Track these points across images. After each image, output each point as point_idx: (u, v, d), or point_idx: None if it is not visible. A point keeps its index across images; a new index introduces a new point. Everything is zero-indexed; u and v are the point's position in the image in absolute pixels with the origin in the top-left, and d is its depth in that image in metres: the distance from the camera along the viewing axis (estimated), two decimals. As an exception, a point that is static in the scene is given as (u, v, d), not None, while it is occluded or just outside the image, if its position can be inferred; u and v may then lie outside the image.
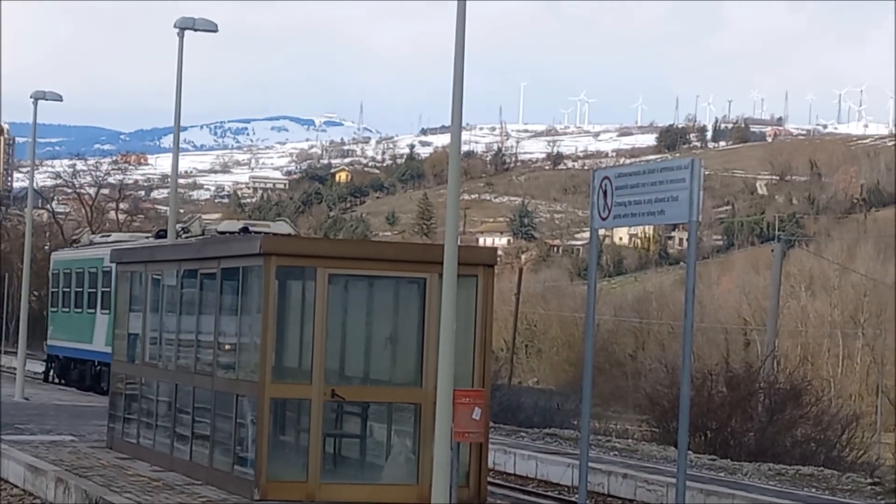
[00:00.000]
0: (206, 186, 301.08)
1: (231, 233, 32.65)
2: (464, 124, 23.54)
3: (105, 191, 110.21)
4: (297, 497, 23.24)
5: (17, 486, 28.13)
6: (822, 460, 40.10)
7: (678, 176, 17.27)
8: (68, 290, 56.90)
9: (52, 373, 60.94)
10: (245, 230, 32.26)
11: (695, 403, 35.54)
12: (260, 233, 27.86)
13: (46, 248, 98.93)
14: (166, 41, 39.81)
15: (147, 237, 41.15)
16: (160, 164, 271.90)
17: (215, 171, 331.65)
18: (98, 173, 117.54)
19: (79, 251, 57.39)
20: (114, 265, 35.30)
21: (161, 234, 39.52)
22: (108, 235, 47.87)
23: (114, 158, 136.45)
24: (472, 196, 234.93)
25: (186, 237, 34.99)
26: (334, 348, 23.95)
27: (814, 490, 31.40)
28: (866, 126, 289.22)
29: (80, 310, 55.25)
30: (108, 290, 40.72)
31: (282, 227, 33.51)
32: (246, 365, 24.60)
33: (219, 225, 34.87)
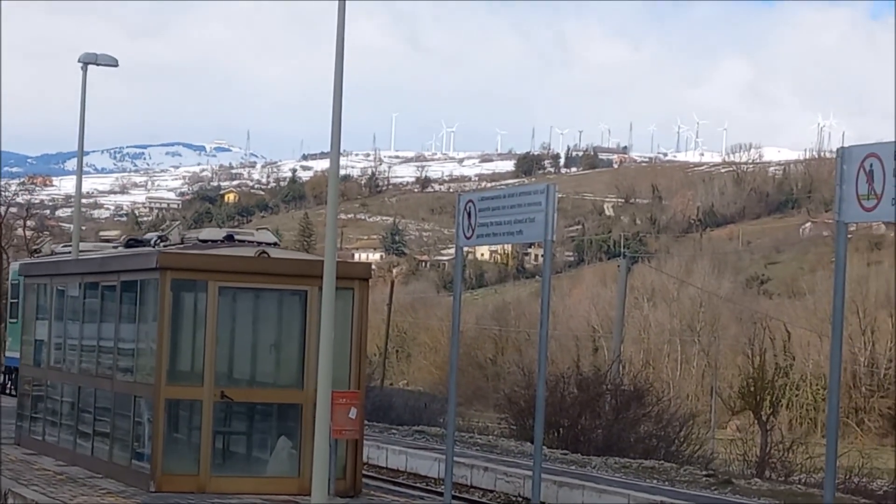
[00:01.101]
0: (105, 206, 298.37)
1: (214, 241, 31.85)
2: (341, 151, 23.56)
3: (13, 209, 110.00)
4: (190, 489, 23.15)
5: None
6: (663, 454, 40.38)
7: (535, 200, 17.37)
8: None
9: (9, 385, 59.50)
10: (230, 238, 31.72)
11: (549, 403, 35.73)
12: (244, 241, 27.26)
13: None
14: (69, 72, 39.44)
15: (115, 247, 39.37)
16: (64, 185, 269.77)
17: (115, 192, 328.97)
18: (7, 194, 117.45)
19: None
20: (22, 278, 34.92)
21: (132, 243, 37.87)
22: (69, 245, 45.38)
23: (21, 180, 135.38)
24: (349, 216, 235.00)
25: (165, 245, 33.78)
26: (224, 354, 23.88)
27: (655, 481, 31.62)
28: (702, 154, 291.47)
29: None
30: None
31: (266, 236, 32.68)
32: (143, 368, 24.50)
33: (200, 233, 33.76)
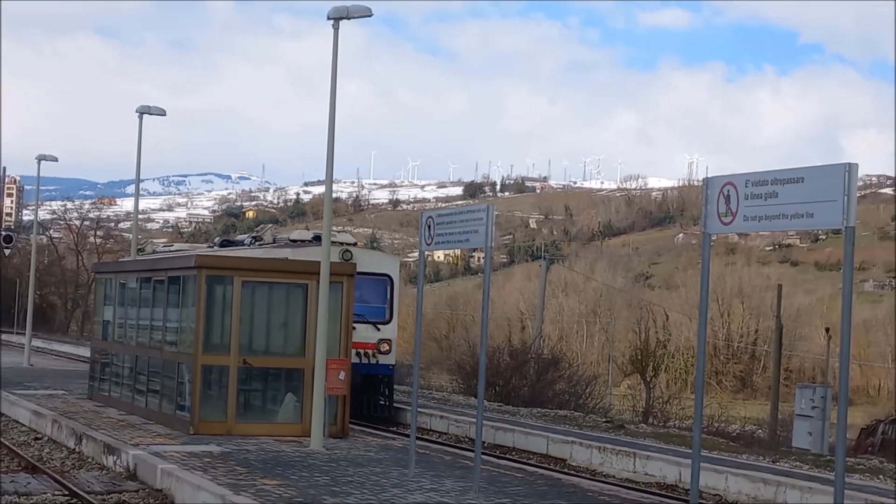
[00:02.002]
0: (155, 220, 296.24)
1: (303, 240, 32.05)
2: (333, 179, 23.57)
3: (86, 223, 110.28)
4: (220, 432, 23.11)
5: (24, 425, 27.66)
6: (573, 406, 40.47)
7: (478, 216, 17.40)
8: None
9: None
10: (317, 238, 31.74)
11: (488, 368, 35.71)
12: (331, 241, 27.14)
13: (45, 262, 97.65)
14: (130, 120, 39.28)
15: (209, 246, 38.33)
16: (125, 204, 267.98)
17: (163, 210, 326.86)
18: (81, 210, 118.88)
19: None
20: (94, 273, 34.83)
21: (225, 243, 36.23)
22: (171, 245, 42.81)
23: (92, 201, 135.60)
24: (338, 228, 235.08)
25: (260, 244, 32.96)
26: (245, 331, 23.80)
27: (567, 426, 31.70)
28: (602, 182, 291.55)
29: None
30: None
31: (346, 237, 32.81)
32: (184, 342, 24.41)
33: (291, 234, 33.83)
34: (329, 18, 22.20)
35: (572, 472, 24.19)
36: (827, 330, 63.53)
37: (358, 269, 26.99)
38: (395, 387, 33.45)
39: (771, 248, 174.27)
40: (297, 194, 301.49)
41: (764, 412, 52.25)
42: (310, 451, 21.49)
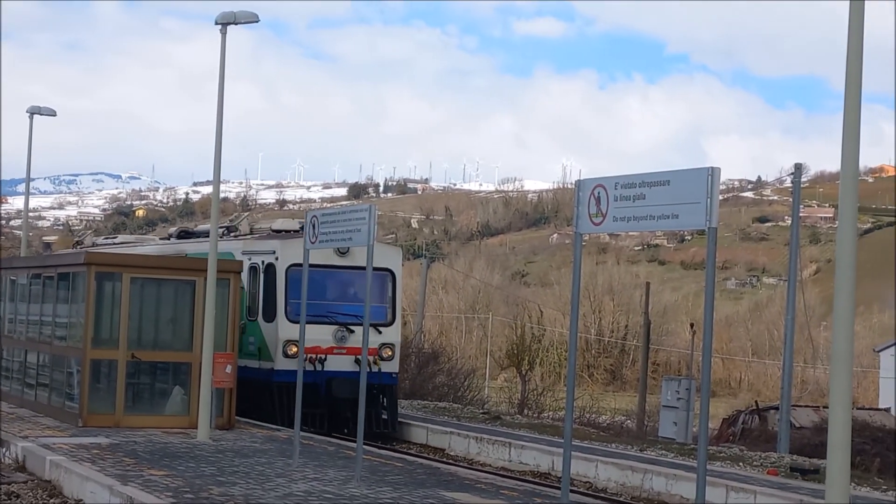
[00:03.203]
0: (46, 218, 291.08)
1: (287, 230, 28.20)
2: (221, 179, 23.38)
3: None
4: (108, 424, 22.81)
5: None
6: (452, 398, 40.55)
7: (361, 216, 17.37)
8: None
9: None
10: (303, 228, 28.49)
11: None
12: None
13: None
14: (21, 118, 38.49)
15: (168, 236, 33.99)
16: (16, 202, 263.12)
17: (54, 208, 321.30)
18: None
19: None
20: None
21: (183, 234, 32.91)
22: (114, 237, 39.04)
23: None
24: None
25: (234, 235, 29.41)
26: (134, 326, 23.52)
27: (447, 417, 31.78)
28: (481, 184, 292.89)
29: None
30: None
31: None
32: (73, 336, 24.06)
33: (273, 224, 29.43)
34: (217, 23, 22.03)
35: (451, 461, 24.26)
36: (691, 325, 64.48)
37: (353, 263, 26.39)
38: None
39: (640, 247, 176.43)
40: (187, 194, 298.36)
41: (633, 403, 52.83)
42: (197, 442, 21.28)
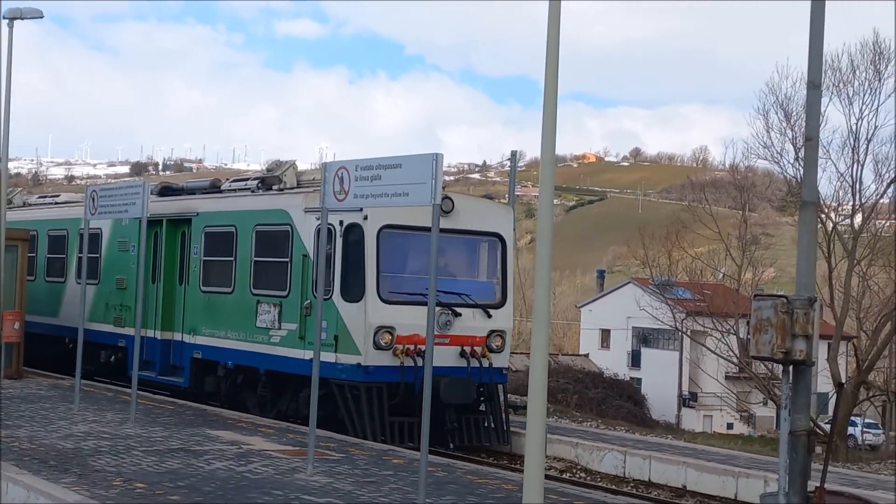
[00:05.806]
0: None
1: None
2: (11, 157, 22.52)
3: None
4: None
5: None
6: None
7: (136, 191, 17.08)
8: None
9: None
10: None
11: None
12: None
13: None
14: None
15: (151, 192, 21.81)
16: None
17: None
18: None
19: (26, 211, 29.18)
20: None
21: (165, 190, 23.95)
22: (58, 196, 30.25)
23: None
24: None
25: (279, 188, 20.68)
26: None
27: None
28: (248, 165, 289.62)
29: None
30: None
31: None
32: None
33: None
34: (4, 18, 21.20)
35: (218, 405, 23.97)
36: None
37: (460, 225, 18.41)
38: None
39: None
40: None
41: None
42: (-14, 391, 20.47)
